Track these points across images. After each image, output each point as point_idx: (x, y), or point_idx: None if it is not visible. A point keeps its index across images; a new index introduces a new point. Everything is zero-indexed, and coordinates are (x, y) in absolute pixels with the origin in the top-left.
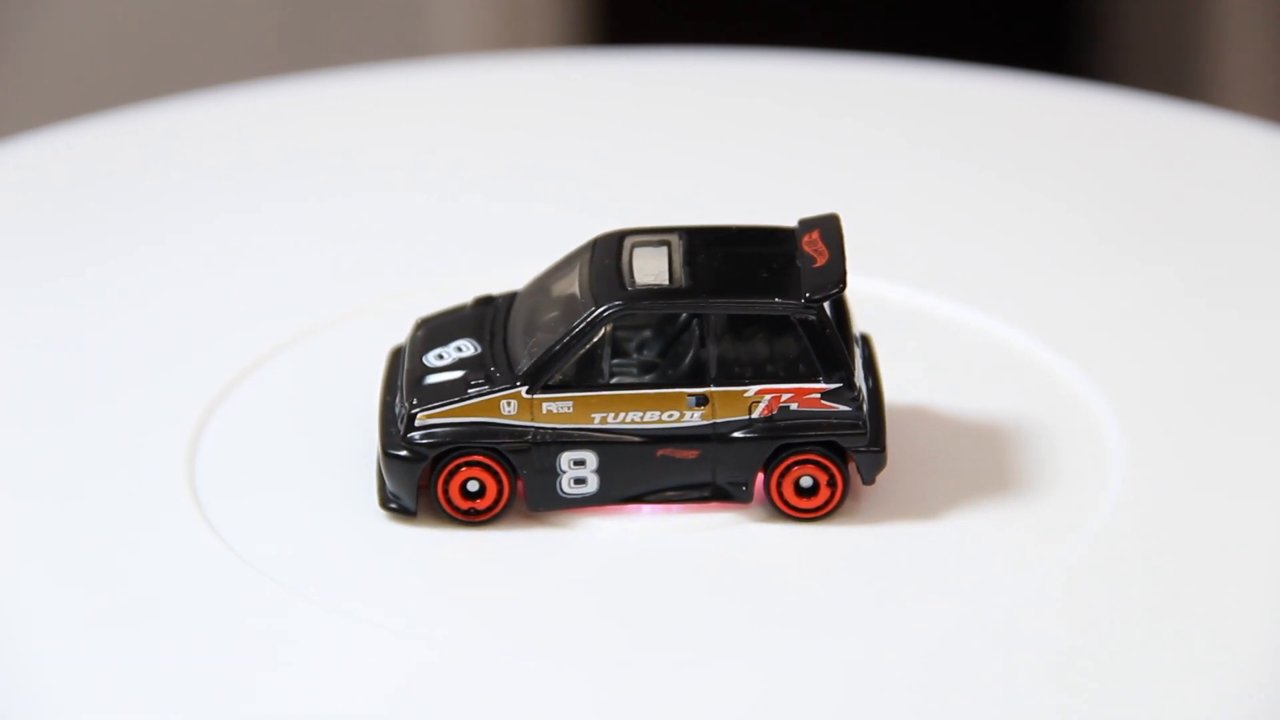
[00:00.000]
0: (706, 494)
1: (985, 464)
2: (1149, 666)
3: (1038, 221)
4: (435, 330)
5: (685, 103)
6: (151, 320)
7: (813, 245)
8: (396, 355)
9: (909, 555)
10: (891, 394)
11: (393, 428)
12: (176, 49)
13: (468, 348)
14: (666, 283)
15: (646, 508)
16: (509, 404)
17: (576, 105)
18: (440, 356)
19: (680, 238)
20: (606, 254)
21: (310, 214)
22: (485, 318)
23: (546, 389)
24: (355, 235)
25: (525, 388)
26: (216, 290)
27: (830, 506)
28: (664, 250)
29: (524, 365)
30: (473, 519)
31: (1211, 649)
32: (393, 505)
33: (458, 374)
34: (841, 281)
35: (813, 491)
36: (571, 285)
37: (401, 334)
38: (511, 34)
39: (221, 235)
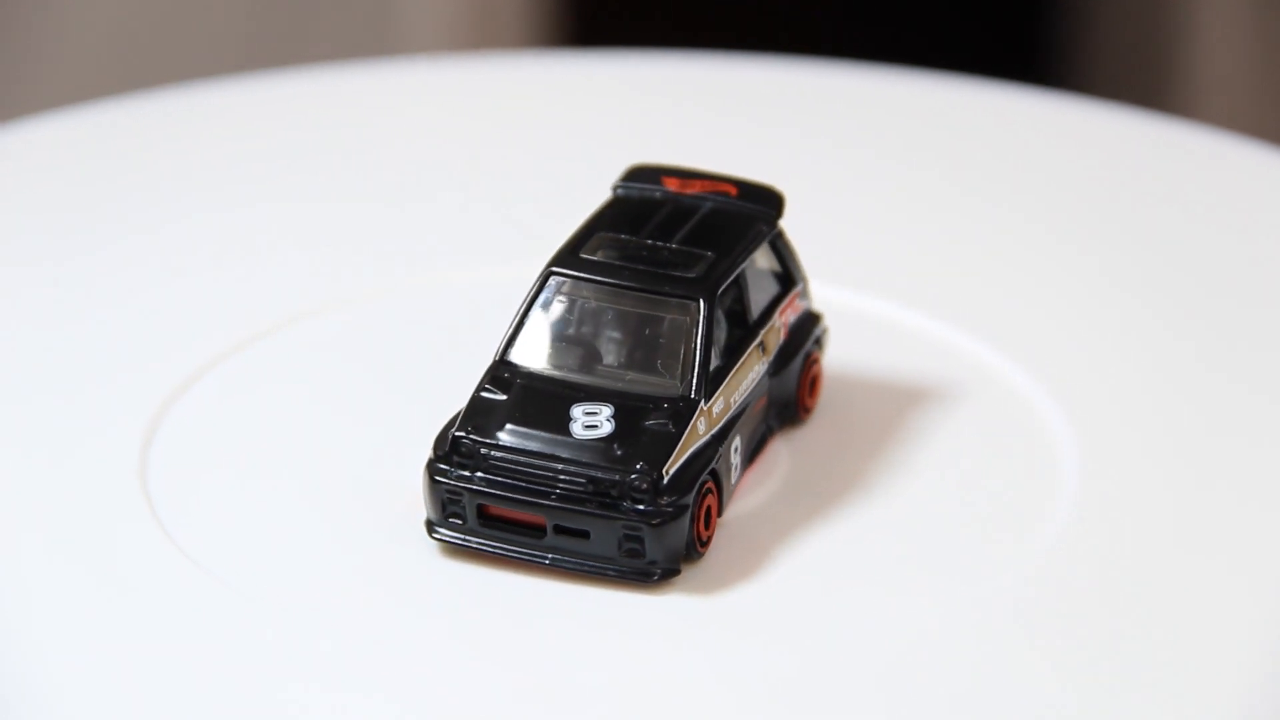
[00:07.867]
0: (766, 439)
1: (939, 472)
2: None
3: (1003, 229)
4: (526, 417)
5: (654, 105)
6: (111, 318)
7: (688, 186)
8: (447, 472)
9: (868, 561)
10: (851, 399)
11: (635, 498)
12: (144, 45)
13: (594, 408)
14: (704, 258)
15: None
16: (701, 423)
17: (547, 106)
18: (590, 426)
19: (606, 232)
20: (599, 269)
21: (277, 211)
22: (546, 389)
23: (708, 394)
24: (322, 234)
25: (703, 400)
26: (177, 289)
27: (819, 392)
28: (619, 245)
29: (686, 384)
30: (708, 546)
31: (1174, 645)
32: (660, 573)
33: (631, 425)
34: (777, 192)
35: (814, 385)
36: (608, 309)
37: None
38: (483, 35)
39: (186, 233)
